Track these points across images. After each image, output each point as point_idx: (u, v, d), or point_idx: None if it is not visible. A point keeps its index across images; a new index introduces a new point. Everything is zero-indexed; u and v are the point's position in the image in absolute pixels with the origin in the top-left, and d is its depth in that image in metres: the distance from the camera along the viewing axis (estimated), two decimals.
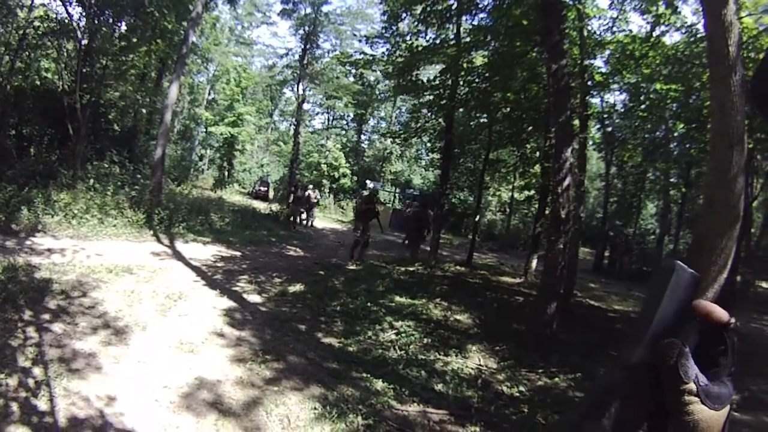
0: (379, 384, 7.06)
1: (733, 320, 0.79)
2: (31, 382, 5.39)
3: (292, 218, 24.37)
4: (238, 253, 15.70)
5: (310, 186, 28.63)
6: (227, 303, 9.98)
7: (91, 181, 16.53)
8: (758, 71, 0.81)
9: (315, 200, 27.56)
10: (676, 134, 23.53)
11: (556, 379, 8.23)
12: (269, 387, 6.50)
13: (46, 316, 7.32)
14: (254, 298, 10.82)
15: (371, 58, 18.80)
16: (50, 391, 5.29)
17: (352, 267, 15.30)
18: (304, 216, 26.23)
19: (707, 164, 6.09)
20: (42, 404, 5.05)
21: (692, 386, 0.70)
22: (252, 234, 20.01)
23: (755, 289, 22.84)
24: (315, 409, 6.05)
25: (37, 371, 5.66)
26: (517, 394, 7.58)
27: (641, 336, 0.74)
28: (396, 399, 6.68)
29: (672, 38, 15.99)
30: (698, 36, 14.32)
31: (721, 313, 0.77)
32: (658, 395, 0.74)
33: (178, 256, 13.50)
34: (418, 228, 19.27)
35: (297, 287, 12.01)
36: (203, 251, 14.86)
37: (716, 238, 5.10)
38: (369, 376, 7.31)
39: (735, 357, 0.76)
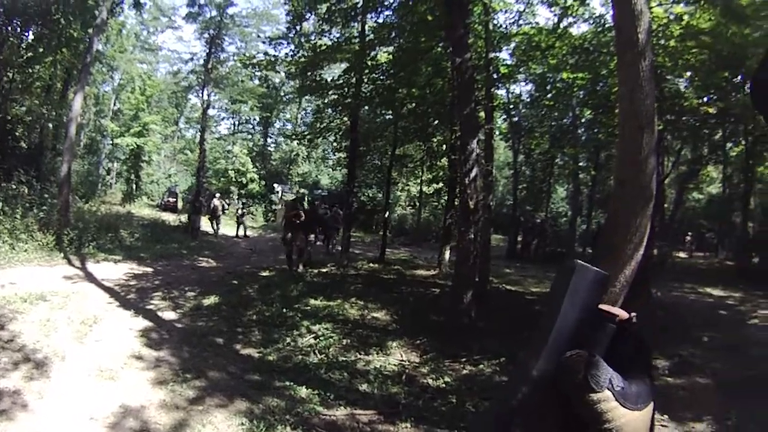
0: (303, 391, 7.03)
1: (634, 315, 0.78)
2: None
3: (192, 228, 23.81)
4: (150, 269, 15.33)
5: (217, 194, 28.32)
6: (143, 323, 9.71)
7: (0, 205, 15.84)
8: (758, 72, 0.82)
9: (221, 208, 27.26)
10: (583, 120, 24.20)
11: (481, 366, 8.39)
12: (194, 407, 6.38)
13: None
14: (169, 314, 10.61)
15: (274, 59, 18.62)
16: None
17: (265, 274, 15.23)
18: (215, 226, 25.96)
19: (616, 147, 6.25)
20: None
21: (607, 393, 0.69)
22: (163, 248, 19.60)
23: (672, 260, 23.76)
24: (242, 424, 5.97)
25: None
26: (443, 386, 7.68)
27: (542, 347, 0.71)
28: (322, 404, 6.66)
29: (580, 29, 16.31)
30: (606, 26, 14.65)
31: (619, 312, 0.77)
32: (569, 408, 0.72)
33: (90, 277, 13.06)
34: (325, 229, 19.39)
35: (211, 299, 11.84)
36: (115, 270, 14.41)
37: (630, 217, 5.21)
38: (292, 383, 7.27)
39: (648, 352, 0.77)
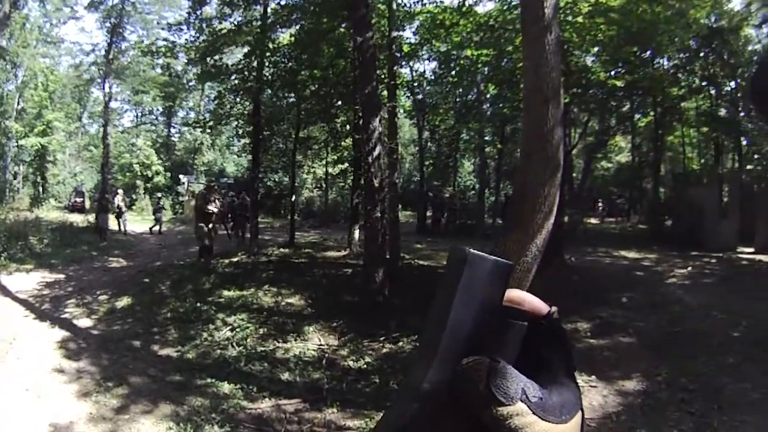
0: (225, 387, 7.15)
1: (554, 309, 0.61)
2: None
3: (99, 228, 22.75)
4: (62, 276, 14.93)
5: (120, 191, 27.71)
6: (60, 333, 9.59)
7: None
8: (758, 71, 0.76)
9: (125, 205, 26.69)
10: (488, 96, 24.44)
11: (400, 343, 8.60)
12: (120, 416, 6.42)
13: None
14: (85, 321, 10.47)
15: (174, 45, 18.24)
16: None
17: (177, 269, 15.07)
18: (122, 224, 25.38)
19: (522, 120, 6.39)
20: None
21: (521, 406, 0.56)
22: (73, 251, 19.07)
23: (584, 226, 24.33)
24: (170, 429, 6.08)
25: None
26: (365, 366, 7.89)
27: (432, 354, 0.58)
28: (246, 398, 6.80)
29: (485, 7, 16.53)
30: (513, 3, 14.85)
31: (537, 304, 0.61)
32: (473, 423, 0.59)
33: (4, 291, 12.66)
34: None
35: (125, 301, 11.73)
36: (27, 280, 13.96)
37: (538, 188, 5.34)
38: (214, 380, 7.38)
39: (570, 352, 0.64)
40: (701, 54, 22.30)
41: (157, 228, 25.98)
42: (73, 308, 11.42)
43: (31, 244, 18.39)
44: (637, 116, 26.52)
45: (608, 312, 9.77)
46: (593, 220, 30.52)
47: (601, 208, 34.87)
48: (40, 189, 37.80)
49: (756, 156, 26.00)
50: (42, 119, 36.61)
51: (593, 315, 9.46)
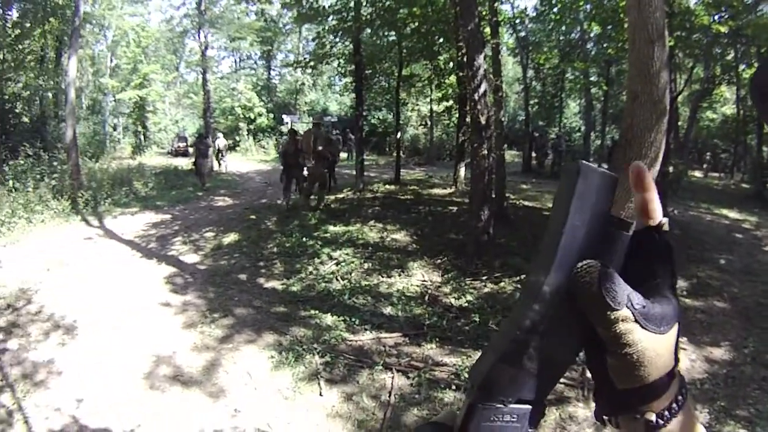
0: (328, 318, 7.14)
1: (665, 221, 0.66)
2: (2, 410, 5.30)
3: (198, 173, 21.86)
4: (168, 216, 15.36)
5: (220, 134, 28.24)
6: (166, 269, 9.86)
7: (11, 182, 15.69)
8: (760, 69, 0.71)
9: (224, 147, 27.12)
10: (592, 35, 23.59)
11: (502, 283, 8.40)
12: (223, 346, 6.52)
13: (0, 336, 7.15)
14: (191, 257, 10.71)
15: None
16: (23, 413, 5.20)
17: (282, 204, 15.04)
18: (222, 163, 25.76)
19: (628, 60, 6.05)
20: (19, 430, 5.00)
21: (626, 312, 0.57)
22: (178, 193, 19.65)
23: (688, 178, 23.43)
24: (272, 357, 6.11)
25: (6, 396, 5.55)
26: (466, 305, 7.72)
27: (551, 259, 0.60)
28: (348, 330, 6.76)
29: None
30: None
31: (656, 211, 0.64)
32: (586, 326, 0.61)
33: (109, 234, 13.14)
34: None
35: (231, 237, 11.93)
36: (133, 222, 14.46)
37: (644, 132, 5.13)
38: (317, 312, 7.39)
39: (674, 265, 0.64)
40: None
41: (223, 168, 26.09)
42: (180, 245, 11.71)
43: (136, 188, 19.09)
44: (742, 66, 24.80)
45: (706, 273, 9.35)
46: (697, 174, 29.28)
47: (708, 161, 33.30)
48: (142, 137, 39.12)
49: None
50: (138, 73, 37.45)
51: (691, 274, 9.08)
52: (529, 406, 0.65)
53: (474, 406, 0.62)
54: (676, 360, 0.63)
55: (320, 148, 13.97)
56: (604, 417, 0.69)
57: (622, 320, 0.59)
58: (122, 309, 7.92)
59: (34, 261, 10.47)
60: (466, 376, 5.62)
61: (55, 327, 7.33)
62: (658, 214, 0.68)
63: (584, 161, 0.63)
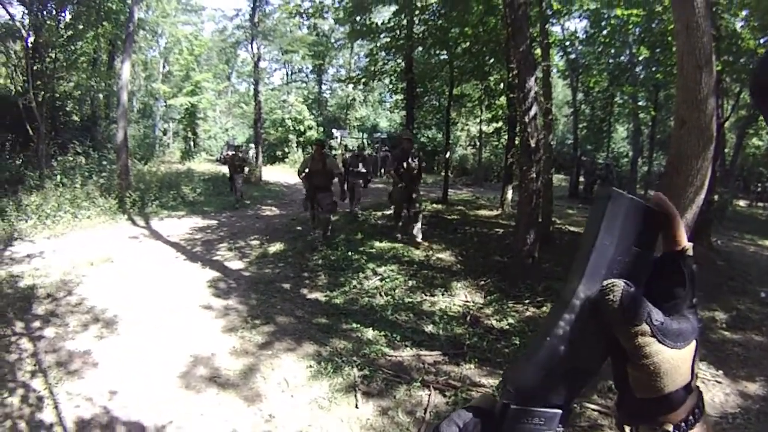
0: (369, 333, 7.14)
1: (689, 246, 0.72)
2: (33, 395, 5.41)
3: (233, 188, 20.41)
4: (214, 222, 15.57)
5: (251, 146, 28.47)
6: (210, 273, 9.98)
7: (59, 177, 16.15)
8: (758, 69, 0.73)
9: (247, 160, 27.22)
10: (640, 58, 23.38)
11: (544, 307, 8.30)
12: (263, 352, 6.56)
13: (37, 323, 7.30)
14: (236, 264, 10.82)
15: (321, 5, 18.43)
16: (54, 399, 5.32)
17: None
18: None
19: (676, 86, 5.99)
20: (48, 415, 5.09)
21: (644, 327, 0.64)
22: (225, 200, 19.91)
23: (733, 208, 23.04)
24: (310, 367, 6.12)
25: (38, 382, 5.68)
26: (507, 327, 7.66)
27: (580, 274, 0.66)
28: (388, 345, 6.75)
29: None
30: None
31: (682, 236, 0.71)
32: (611, 338, 0.68)
33: (155, 235, 13.41)
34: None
35: (276, 246, 12.01)
36: (179, 226, 14.75)
37: (691, 159, 5.07)
38: (359, 325, 7.39)
39: (694, 287, 0.70)
40: None
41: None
42: (225, 251, 11.87)
43: (184, 193, 19.46)
44: None
45: (746, 305, 9.08)
46: (742, 203, 28.73)
47: (759, 190, 32.62)
48: (191, 143, 39.73)
49: None
50: (190, 80, 38.12)
51: (731, 306, 8.85)
52: (557, 411, 0.69)
53: (507, 406, 0.67)
54: (694, 375, 0.70)
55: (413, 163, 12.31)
56: (625, 426, 0.74)
57: (641, 334, 0.65)
58: (164, 308, 8.07)
59: (78, 254, 10.77)
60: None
61: (95, 320, 7.52)
62: (682, 240, 0.72)
63: (615, 188, 0.68)
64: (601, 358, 0.68)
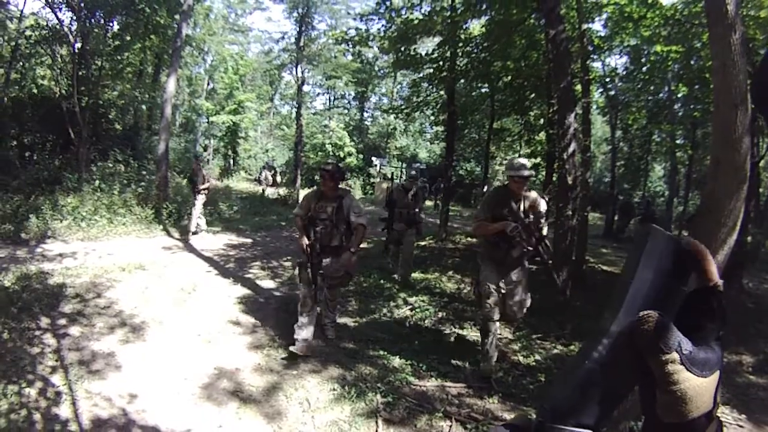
0: (396, 361, 7.12)
1: (720, 282, 0.76)
2: (51, 389, 5.48)
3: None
4: (248, 240, 15.71)
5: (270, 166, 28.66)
6: (241, 291, 10.04)
7: (97, 182, 16.41)
8: (758, 73, 0.76)
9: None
10: (679, 95, 23.17)
11: (572, 346, 8.24)
12: (287, 371, 6.58)
13: (63, 321, 7.41)
14: (268, 283, 10.87)
15: (366, 33, 18.61)
16: (72, 395, 5.39)
17: (364, 246, 14.23)
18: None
19: (712, 125, 5.94)
20: (65, 410, 5.15)
21: (674, 355, 0.67)
22: (261, 220, 20.10)
23: (766, 249, 22.63)
24: (334, 390, 6.12)
25: (58, 377, 5.76)
26: (534, 364, 7.62)
27: (620, 305, 0.70)
28: (414, 375, 6.73)
29: None
30: None
31: (713, 274, 0.74)
32: (643, 364, 0.71)
33: (189, 247, 13.57)
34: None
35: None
36: (214, 241, 14.91)
37: (724, 200, 4.94)
38: (386, 353, 7.37)
39: (722, 320, 0.72)
40: None
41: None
42: (257, 270, 11.96)
43: (221, 209, 19.71)
44: None
45: None
46: None
47: None
48: (231, 161, 40.13)
49: None
50: (233, 99, 38.66)
51: (758, 349, 8.65)
52: (588, 431, 0.74)
53: (543, 424, 0.71)
54: (716, 404, 0.72)
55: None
56: None
57: (671, 362, 0.73)
58: (192, 319, 8.15)
59: (111, 259, 10.97)
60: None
61: (122, 324, 7.60)
62: (713, 276, 0.74)
63: (654, 225, 0.71)
64: (632, 384, 0.73)
